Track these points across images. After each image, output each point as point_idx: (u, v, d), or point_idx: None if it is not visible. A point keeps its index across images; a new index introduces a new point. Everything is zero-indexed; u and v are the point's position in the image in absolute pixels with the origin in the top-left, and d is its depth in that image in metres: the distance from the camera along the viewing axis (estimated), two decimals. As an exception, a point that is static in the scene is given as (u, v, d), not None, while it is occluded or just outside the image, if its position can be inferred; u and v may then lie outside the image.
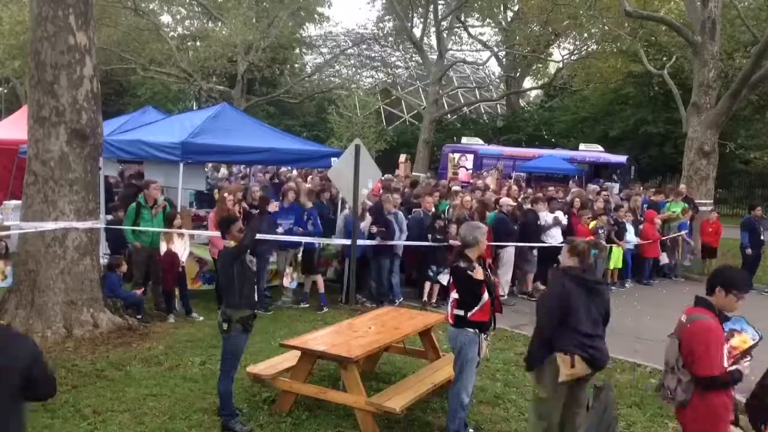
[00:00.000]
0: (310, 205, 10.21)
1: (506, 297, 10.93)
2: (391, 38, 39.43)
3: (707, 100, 15.96)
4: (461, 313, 5.17)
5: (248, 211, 9.64)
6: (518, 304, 10.95)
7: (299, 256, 10.16)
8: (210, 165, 14.34)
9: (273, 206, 9.61)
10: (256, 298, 5.75)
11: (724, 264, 4.37)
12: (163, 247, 8.89)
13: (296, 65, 40.72)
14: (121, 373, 6.65)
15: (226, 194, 9.77)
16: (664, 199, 15.02)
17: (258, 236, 9.44)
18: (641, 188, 17.57)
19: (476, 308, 5.13)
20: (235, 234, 5.60)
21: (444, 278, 10.25)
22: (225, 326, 5.35)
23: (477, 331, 5.17)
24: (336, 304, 10.11)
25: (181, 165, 9.92)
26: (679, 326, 4.07)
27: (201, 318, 8.86)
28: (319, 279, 10.05)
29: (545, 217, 11.78)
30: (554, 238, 11.61)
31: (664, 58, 23.63)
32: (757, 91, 20.79)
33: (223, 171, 18.95)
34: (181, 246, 9.04)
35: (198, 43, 33.73)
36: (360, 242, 9.62)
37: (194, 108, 31.37)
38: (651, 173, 29.22)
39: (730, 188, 29.80)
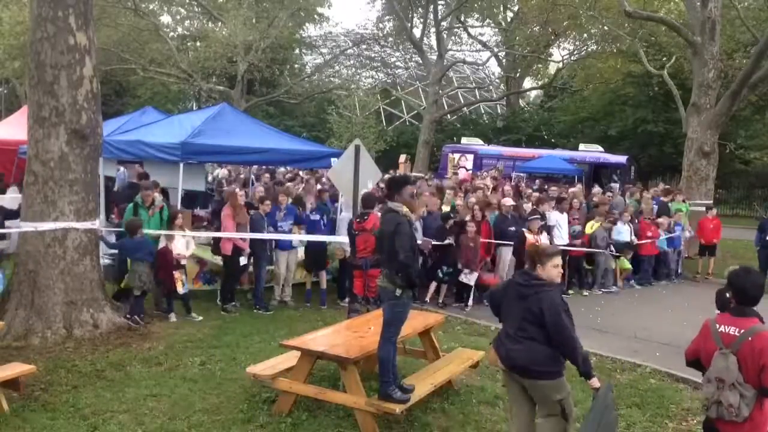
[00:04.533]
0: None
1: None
2: (391, 38, 39.42)
3: (707, 100, 15.99)
4: None
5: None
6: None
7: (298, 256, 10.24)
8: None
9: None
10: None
11: (749, 269, 4.25)
12: (161, 244, 8.92)
13: (296, 66, 40.74)
14: (121, 373, 6.65)
15: (237, 190, 9.86)
16: (671, 200, 14.95)
17: (269, 236, 9.59)
18: (656, 188, 17.10)
19: None
20: (407, 198, 5.54)
21: (471, 278, 10.29)
22: (398, 292, 5.28)
23: None
24: (336, 304, 10.12)
25: (181, 165, 9.92)
26: (731, 340, 3.91)
27: (200, 318, 8.85)
28: (323, 276, 10.11)
29: (554, 217, 11.76)
30: (561, 238, 11.64)
31: (664, 59, 23.66)
32: (757, 91, 20.80)
33: (224, 172, 18.92)
34: (183, 244, 9.03)
35: (198, 44, 33.74)
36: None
37: (194, 108, 31.37)
38: (651, 173, 29.25)
39: (729, 188, 29.85)
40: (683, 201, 14.72)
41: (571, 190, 15.39)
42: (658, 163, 29.50)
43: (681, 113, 17.42)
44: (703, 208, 15.36)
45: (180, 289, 8.88)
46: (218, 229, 9.57)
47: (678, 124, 18.28)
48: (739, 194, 30.36)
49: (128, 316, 8.27)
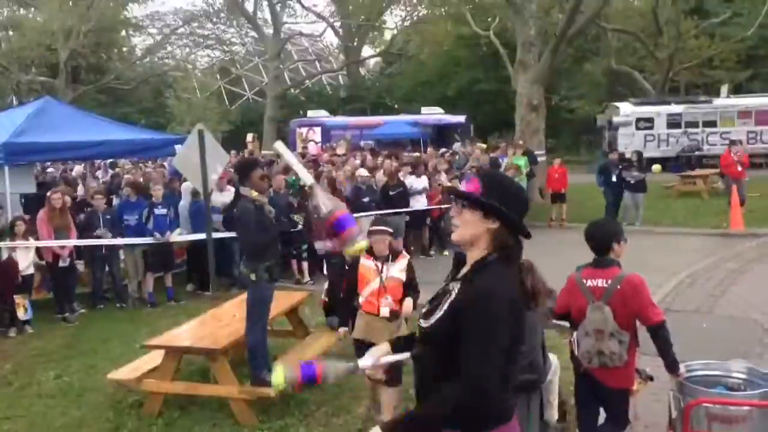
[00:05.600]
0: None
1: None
2: (223, 14, 38.17)
3: (531, 57, 16.99)
4: None
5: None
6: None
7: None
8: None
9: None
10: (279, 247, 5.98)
11: (598, 220, 4.60)
12: (4, 255, 8.21)
13: (124, 49, 38.42)
14: (-34, 401, 6.12)
15: (50, 193, 9.01)
16: (504, 153, 15.82)
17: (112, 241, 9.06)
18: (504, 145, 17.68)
19: None
20: (256, 181, 5.38)
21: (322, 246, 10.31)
22: (253, 276, 5.30)
23: None
24: (194, 295, 9.88)
25: (6, 168, 9.13)
26: (601, 292, 4.02)
27: (30, 330, 8.27)
28: (168, 276, 9.76)
29: (412, 182, 12.06)
30: (421, 203, 12.03)
31: (489, 20, 24.83)
32: (574, 45, 22.44)
33: (78, 169, 17.39)
34: (25, 255, 8.38)
35: (10, 33, 30.83)
36: (216, 235, 9.30)
37: (14, 104, 28.78)
38: (489, 129, 30.85)
39: (559, 137, 32.12)
40: (523, 154, 15.53)
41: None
42: (494, 119, 31.14)
43: (509, 71, 18.42)
44: (544, 158, 16.46)
45: (22, 316, 8.17)
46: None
47: (508, 81, 19.32)
48: (568, 142, 32.78)
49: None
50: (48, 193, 8.99)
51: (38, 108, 10.65)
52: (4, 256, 8.23)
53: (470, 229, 2.38)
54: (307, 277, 10.51)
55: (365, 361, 2.64)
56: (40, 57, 27.73)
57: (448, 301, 2.36)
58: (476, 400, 2.21)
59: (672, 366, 4.03)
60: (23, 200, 10.41)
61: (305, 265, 10.57)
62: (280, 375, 2.53)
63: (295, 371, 2.54)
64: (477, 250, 2.38)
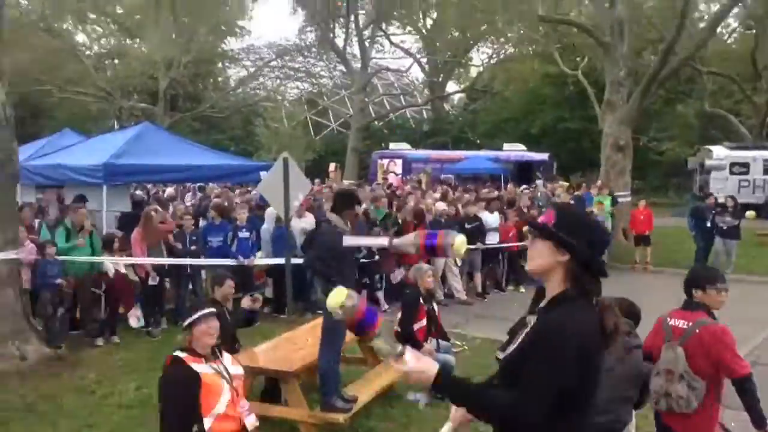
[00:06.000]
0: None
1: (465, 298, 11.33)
2: (314, 49, 39.45)
3: (619, 97, 16.67)
4: None
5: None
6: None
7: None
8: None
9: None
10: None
11: (700, 265, 4.52)
12: (111, 269, 8.79)
13: (220, 79, 40.23)
14: (53, 405, 6.43)
15: (152, 212, 9.53)
16: (587, 191, 15.47)
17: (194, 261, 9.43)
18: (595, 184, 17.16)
19: None
20: (351, 217, 5.88)
21: (397, 276, 10.35)
22: None
23: None
24: (270, 317, 10.09)
25: (105, 187, 9.70)
26: (680, 333, 3.98)
27: (117, 341, 8.72)
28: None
29: (486, 218, 12.02)
30: (494, 238, 11.97)
31: (578, 59, 24.57)
32: (666, 86, 21.85)
33: (170, 191, 18.20)
34: (122, 268, 8.99)
35: (116, 61, 32.93)
36: (295, 260, 9.52)
37: (115, 127, 30.62)
38: (571, 168, 30.31)
39: (646, 179, 31.15)
40: (608, 194, 15.10)
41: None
42: (577, 158, 30.59)
43: (596, 110, 18.12)
44: (629, 199, 16.08)
45: (134, 324, 9.05)
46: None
47: (594, 120, 19.00)
48: (655, 184, 31.74)
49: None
50: (149, 211, 9.50)
51: (137, 132, 11.32)
52: (111, 271, 8.84)
53: (541, 259, 2.38)
54: (384, 306, 10.56)
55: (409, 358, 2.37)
56: (141, 85, 29.40)
57: (524, 333, 2.36)
58: (514, 423, 2.22)
59: (759, 422, 3.86)
60: (119, 218, 10.99)
61: (381, 294, 10.64)
62: (340, 296, 2.44)
63: (360, 305, 2.46)
64: (554, 284, 2.37)
